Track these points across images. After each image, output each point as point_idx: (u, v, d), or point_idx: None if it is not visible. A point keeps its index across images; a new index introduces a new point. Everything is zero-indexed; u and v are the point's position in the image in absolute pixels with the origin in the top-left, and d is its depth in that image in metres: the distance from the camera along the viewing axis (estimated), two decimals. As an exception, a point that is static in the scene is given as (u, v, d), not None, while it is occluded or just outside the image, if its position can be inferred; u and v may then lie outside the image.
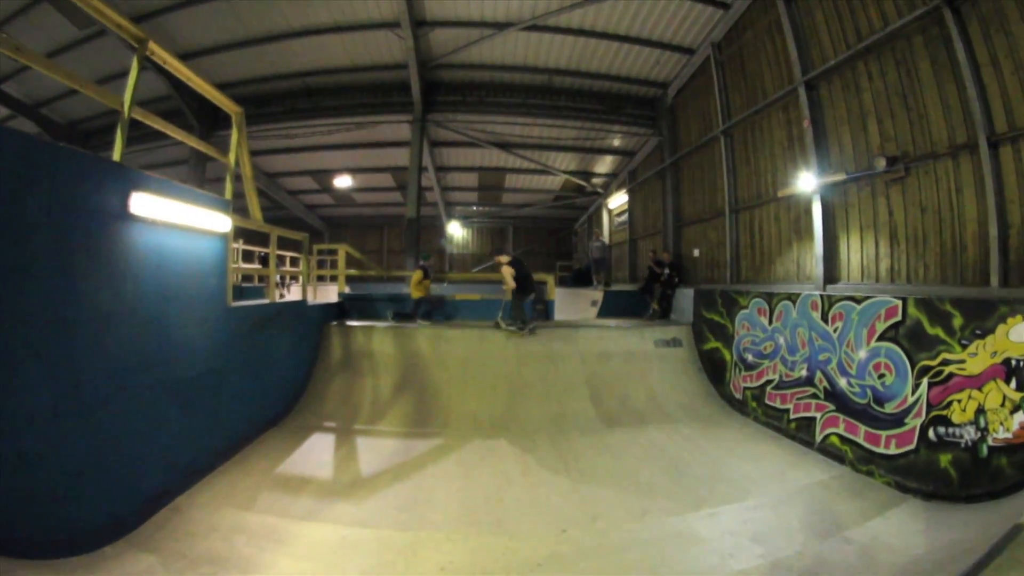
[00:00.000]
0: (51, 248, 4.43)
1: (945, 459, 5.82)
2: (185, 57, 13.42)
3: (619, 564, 4.80)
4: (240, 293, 11.15)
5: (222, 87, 7.43)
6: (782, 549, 4.91)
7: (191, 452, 6.39)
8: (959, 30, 6.38)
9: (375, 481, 6.78)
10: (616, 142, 18.76)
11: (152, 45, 5.83)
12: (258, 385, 8.22)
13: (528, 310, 11.53)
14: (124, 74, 5.55)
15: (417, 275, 12.30)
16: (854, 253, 8.22)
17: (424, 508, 5.98)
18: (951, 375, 5.89)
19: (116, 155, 5.24)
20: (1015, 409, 5.17)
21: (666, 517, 5.73)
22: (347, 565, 4.81)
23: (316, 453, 7.74)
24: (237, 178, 7.96)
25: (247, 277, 16.62)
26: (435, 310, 12.72)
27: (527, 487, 6.45)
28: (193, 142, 7.26)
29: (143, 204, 5.42)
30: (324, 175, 23.00)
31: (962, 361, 5.78)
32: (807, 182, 8.95)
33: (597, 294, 16.15)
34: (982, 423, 5.48)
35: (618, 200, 21.41)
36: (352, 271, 15.51)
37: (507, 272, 10.72)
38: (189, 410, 6.38)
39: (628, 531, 5.45)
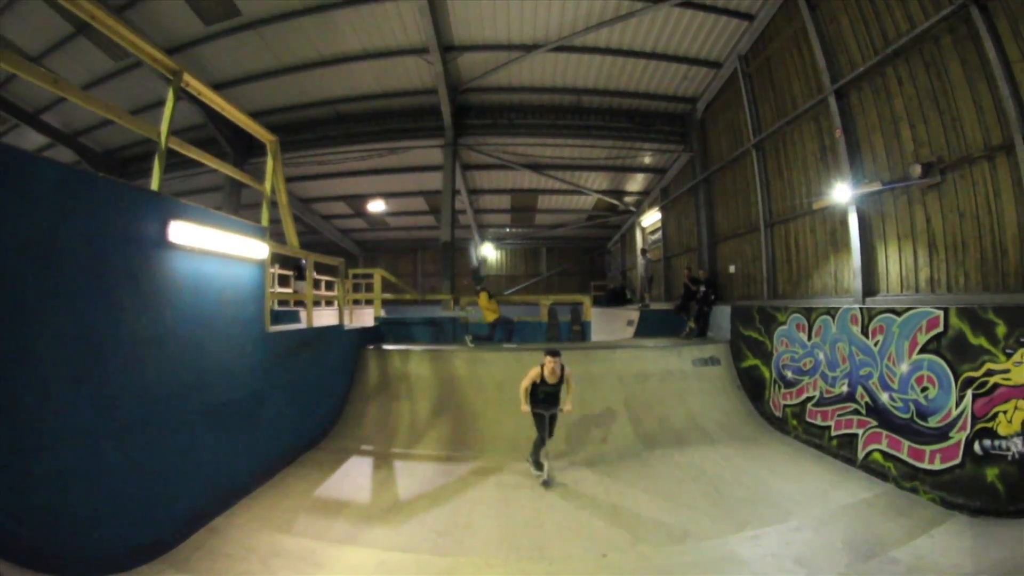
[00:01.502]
0: (91, 275, 4.56)
1: (992, 473, 5.63)
2: (217, 87, 13.76)
3: None
4: (275, 317, 11.44)
5: (254, 115, 7.64)
6: (825, 571, 4.79)
7: (229, 474, 6.48)
8: (987, 28, 6.22)
9: (413, 505, 6.77)
10: (647, 159, 18.63)
11: (187, 76, 6.03)
12: (296, 409, 8.32)
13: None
14: (159, 103, 5.76)
15: (483, 297, 12.45)
16: (892, 264, 8.00)
17: (463, 533, 5.96)
18: (996, 385, 5.70)
19: (154, 184, 5.42)
20: None
21: (707, 540, 5.64)
22: None
23: (353, 476, 7.77)
24: (273, 205, 8.13)
25: (282, 301, 16.94)
26: (511, 330, 12.75)
27: (567, 511, 6.38)
28: (229, 170, 7.44)
29: (181, 232, 5.54)
30: (357, 200, 23.37)
31: (1007, 371, 5.61)
32: (842, 193, 8.77)
33: (633, 314, 16.03)
34: None
35: (651, 218, 21.31)
36: (388, 295, 15.69)
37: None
38: (227, 433, 6.48)
39: (669, 555, 5.36)
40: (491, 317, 12.31)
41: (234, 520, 6.03)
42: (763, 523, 5.90)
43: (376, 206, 23.35)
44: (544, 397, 7.42)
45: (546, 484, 6.98)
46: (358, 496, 7.07)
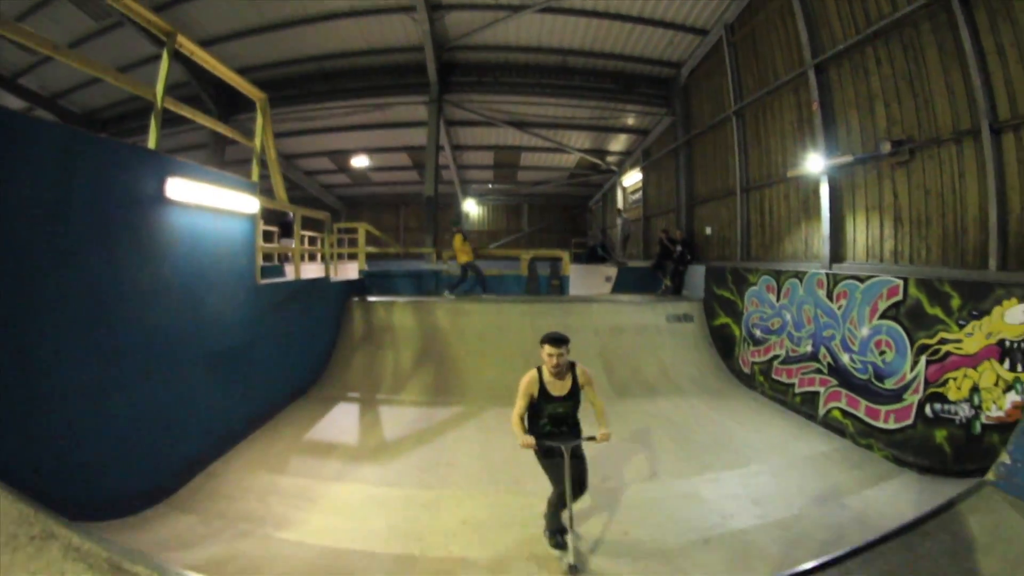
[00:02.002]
0: (95, 232, 4.72)
1: (940, 435, 6.06)
2: (202, 44, 13.43)
3: (628, 520, 5.13)
4: (263, 271, 11.71)
5: (239, 72, 7.71)
6: (780, 511, 5.23)
7: (224, 421, 6.75)
8: (966, 18, 6.50)
9: (399, 445, 7.16)
10: (630, 121, 18.83)
11: (180, 38, 6.12)
12: (285, 358, 8.57)
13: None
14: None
15: (458, 239, 12.66)
16: (860, 234, 8.43)
17: (446, 470, 6.36)
18: (948, 354, 6.12)
19: (152, 143, 5.55)
20: (1007, 388, 5.39)
21: (673, 479, 6.10)
22: (374, 520, 5.15)
23: (342, 421, 8.16)
24: (262, 161, 8.27)
25: (266, 256, 16.94)
26: (483, 278, 13.08)
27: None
28: (221, 128, 7.60)
29: (178, 188, 5.71)
30: (341, 155, 23.26)
31: (959, 340, 6.01)
32: (815, 163, 9.15)
33: (611, 270, 16.39)
34: (976, 401, 5.72)
35: (632, 178, 21.56)
36: (372, 249, 15.89)
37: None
38: (222, 381, 6.71)
39: (637, 491, 5.80)
40: (463, 259, 12.61)
41: (230, 464, 6.35)
42: (725, 467, 6.39)
43: (360, 161, 23.31)
44: (553, 421, 4.54)
45: (573, 570, 4.10)
46: (347, 438, 7.46)
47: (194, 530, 4.74)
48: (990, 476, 3.44)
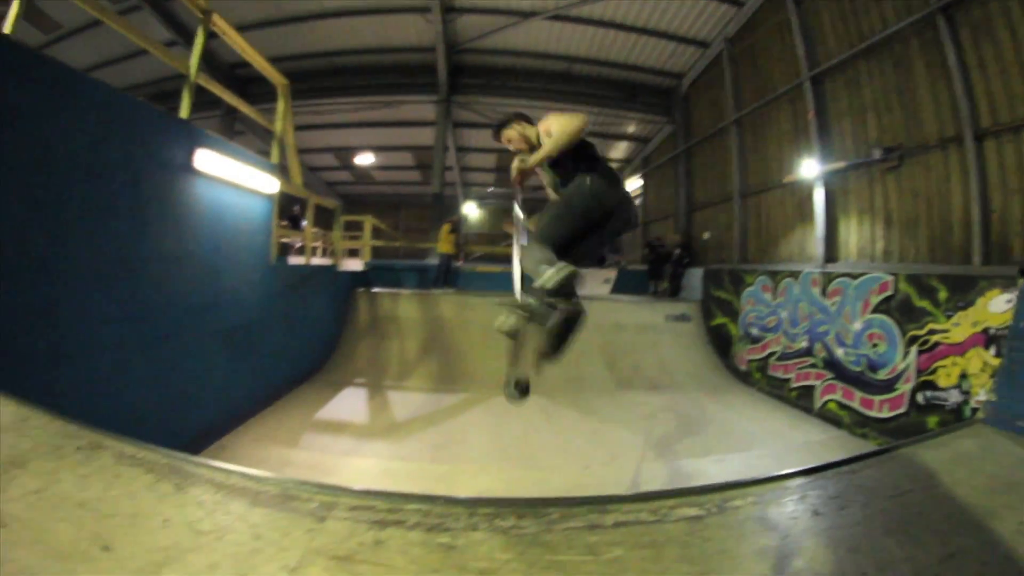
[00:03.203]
0: (126, 193, 4.78)
1: (932, 421, 6.37)
2: (216, 34, 13.80)
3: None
4: None
5: (247, 64, 8.02)
6: None
7: (235, 395, 6.82)
8: (951, 35, 6.99)
9: (409, 426, 7.31)
10: (631, 129, 19.23)
11: (216, 18, 6.28)
12: (294, 340, 8.66)
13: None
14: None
15: (446, 227, 13.06)
16: (852, 235, 8.82)
17: (459, 447, 6.53)
18: (937, 343, 6.47)
19: (184, 113, 5.64)
20: (994, 374, 5.66)
21: (678, 460, 6.37)
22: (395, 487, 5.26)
23: (350, 404, 8.28)
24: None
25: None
26: (448, 269, 13.41)
27: (552, 432, 7.02)
28: (247, 109, 7.74)
29: (205, 160, 5.83)
30: (345, 152, 23.41)
31: (946, 330, 6.39)
32: (810, 169, 9.54)
33: (610, 272, 16.74)
34: (965, 387, 6.06)
35: (632, 185, 21.69)
36: (377, 242, 16.26)
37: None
38: (235, 356, 6.77)
39: (645, 469, 6.06)
40: (443, 248, 12.97)
41: (241, 439, 6.44)
42: (728, 451, 6.64)
43: (364, 159, 23.45)
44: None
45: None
46: (357, 418, 7.60)
47: None
48: (980, 415, 3.83)
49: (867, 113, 8.59)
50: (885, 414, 7.09)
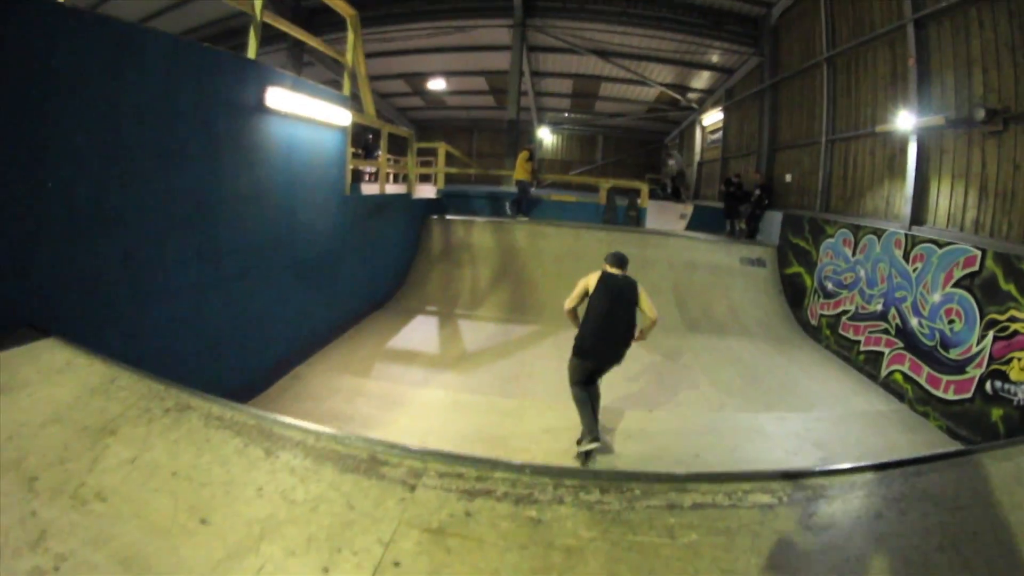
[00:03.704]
0: (198, 136, 4.92)
1: (997, 413, 6.08)
2: None
3: (699, 444, 5.59)
4: None
5: None
6: (840, 457, 5.49)
7: (310, 326, 7.20)
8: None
9: (479, 357, 7.67)
10: (715, 58, 18.25)
11: None
12: (368, 268, 9.02)
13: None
14: None
15: (523, 155, 12.99)
16: (943, 199, 8.36)
17: (527, 381, 6.87)
18: (1016, 332, 6.07)
19: (251, 53, 5.75)
20: None
21: (739, 413, 6.56)
22: (461, 423, 5.64)
23: (422, 332, 8.69)
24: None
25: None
26: (524, 199, 13.30)
27: (618, 371, 7.00)
28: (315, 43, 7.91)
29: (276, 98, 5.91)
30: (417, 78, 23.25)
31: None
32: (906, 121, 8.98)
33: (687, 208, 16.53)
34: None
35: (712, 117, 21.07)
36: (451, 169, 16.32)
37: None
38: (309, 287, 7.11)
39: (707, 419, 6.28)
40: (519, 175, 12.90)
41: (315, 368, 6.81)
42: (789, 409, 6.78)
43: (436, 84, 23.29)
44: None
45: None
46: (427, 348, 7.97)
47: None
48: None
49: (973, 67, 7.91)
50: (950, 396, 6.82)
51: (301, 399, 5.89)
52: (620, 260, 5.26)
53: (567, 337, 6.25)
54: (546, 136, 28.36)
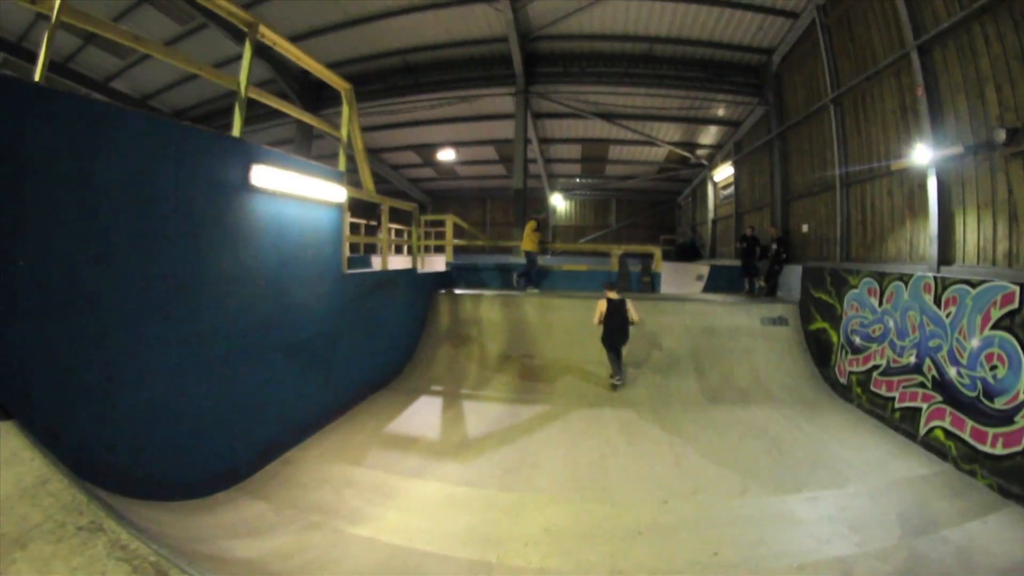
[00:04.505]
0: (178, 217, 4.87)
1: None
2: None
3: (719, 538, 4.89)
4: (350, 262, 12.15)
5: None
6: (879, 540, 4.83)
7: (304, 408, 6.90)
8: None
9: (481, 443, 7.11)
10: (721, 112, 18.10)
11: (263, 28, 6.25)
12: (369, 348, 8.76)
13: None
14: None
15: (531, 224, 12.63)
16: (970, 233, 7.64)
17: (529, 471, 6.25)
18: None
19: (236, 131, 5.67)
20: None
21: (765, 496, 5.80)
22: (452, 521, 5.09)
23: (424, 415, 8.19)
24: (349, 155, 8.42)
25: (352, 247, 17.41)
26: (531, 271, 12.96)
27: (632, 456, 6.65)
28: (307, 117, 7.79)
29: (262, 176, 5.86)
30: (427, 149, 23.57)
31: None
32: (921, 154, 8.38)
33: (703, 268, 15.98)
34: None
35: (723, 172, 20.71)
36: (459, 241, 16.12)
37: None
38: (303, 369, 6.87)
39: (728, 507, 5.55)
40: (526, 246, 12.55)
41: (308, 453, 6.46)
42: (821, 486, 6.00)
43: (446, 155, 23.59)
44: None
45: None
46: (427, 433, 7.47)
47: (264, 517, 4.81)
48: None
49: (985, 87, 7.31)
50: (999, 450, 6.02)
51: (288, 486, 5.60)
52: (612, 283, 9.62)
53: (576, 418, 7.81)
54: (559, 203, 28.40)
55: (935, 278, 7.54)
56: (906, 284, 8.13)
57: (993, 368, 6.30)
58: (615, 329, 9.08)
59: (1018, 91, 6.80)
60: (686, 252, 21.68)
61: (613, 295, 9.18)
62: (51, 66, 3.83)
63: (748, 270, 14.07)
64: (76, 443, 3.78)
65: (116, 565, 2.28)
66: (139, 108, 17.58)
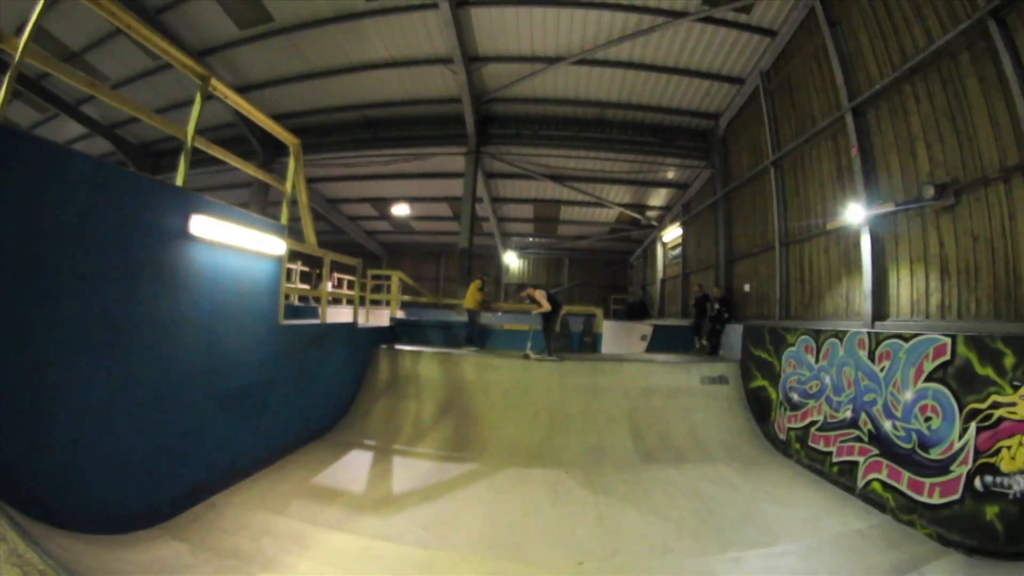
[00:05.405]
0: (115, 260, 4.92)
1: (991, 511, 5.38)
2: (249, 88, 14.38)
3: None
4: (295, 311, 11.80)
5: (285, 117, 7.95)
6: None
7: (232, 455, 6.77)
8: (1005, 42, 6.00)
9: (404, 499, 6.91)
10: (670, 174, 18.47)
11: (214, 82, 6.36)
12: (304, 399, 8.55)
13: (551, 339, 11.55)
14: (192, 102, 6.01)
15: (476, 283, 12.40)
16: (904, 287, 7.74)
17: (447, 529, 6.07)
18: (1001, 419, 5.45)
19: (179, 180, 5.76)
20: None
21: (688, 558, 5.56)
22: (364, 575, 4.99)
23: (352, 468, 7.93)
24: (293, 203, 8.41)
25: (302, 297, 17.06)
26: (473, 332, 12.72)
27: (553, 517, 6.43)
28: (250, 169, 7.70)
29: (202, 226, 5.88)
30: (382, 203, 23.59)
31: (1013, 404, 5.37)
32: (856, 213, 8.57)
33: (647, 328, 15.89)
34: None
35: (672, 233, 21.03)
36: (405, 297, 15.93)
37: (541, 295, 11.14)
38: (235, 416, 6.78)
39: (646, 569, 5.36)
40: (468, 304, 12.36)
41: (233, 499, 6.31)
42: (748, 546, 5.78)
43: (400, 210, 23.57)
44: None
45: (560, 359, 10.81)
46: (353, 486, 7.27)
47: (180, 558, 4.74)
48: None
49: (916, 144, 7.55)
50: (936, 500, 6.02)
51: (209, 530, 5.51)
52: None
53: (504, 477, 7.60)
54: (512, 261, 28.45)
55: (869, 334, 7.59)
56: (841, 340, 8.17)
57: (928, 419, 6.31)
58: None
59: (947, 147, 7.00)
60: (635, 311, 21.68)
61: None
62: (22, 80, 3.62)
63: (697, 329, 14.06)
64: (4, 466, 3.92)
65: (10, 570, 2.49)
66: (105, 136, 17.66)
